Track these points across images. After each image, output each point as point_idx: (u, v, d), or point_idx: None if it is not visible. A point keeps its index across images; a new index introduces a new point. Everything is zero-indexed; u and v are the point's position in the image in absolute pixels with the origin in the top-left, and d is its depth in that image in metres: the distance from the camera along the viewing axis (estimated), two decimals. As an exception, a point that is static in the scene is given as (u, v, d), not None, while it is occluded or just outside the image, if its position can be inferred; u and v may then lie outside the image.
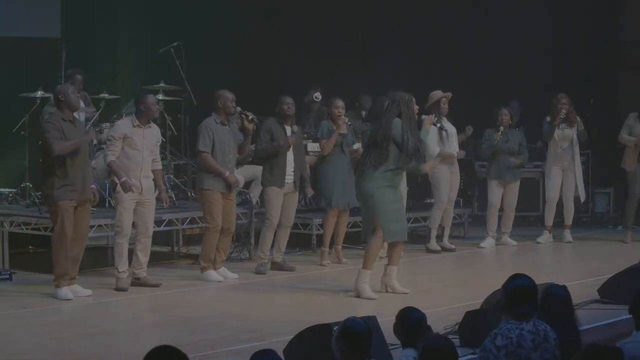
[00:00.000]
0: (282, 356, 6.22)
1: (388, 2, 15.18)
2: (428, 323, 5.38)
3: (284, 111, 10.25)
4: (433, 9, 14.77)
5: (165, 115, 11.77)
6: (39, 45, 13.17)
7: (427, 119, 9.73)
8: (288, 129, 10.32)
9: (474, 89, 14.11)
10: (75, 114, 11.13)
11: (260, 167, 10.67)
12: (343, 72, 14.28)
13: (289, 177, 10.27)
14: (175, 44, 11.85)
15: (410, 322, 5.31)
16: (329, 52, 14.96)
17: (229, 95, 9.81)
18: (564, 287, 5.76)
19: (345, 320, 5.03)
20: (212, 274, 9.78)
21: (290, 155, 10.28)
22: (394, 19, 15.03)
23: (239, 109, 9.88)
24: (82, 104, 11.58)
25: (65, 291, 8.77)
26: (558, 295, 5.65)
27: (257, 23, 15.21)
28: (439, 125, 10.90)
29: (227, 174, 9.72)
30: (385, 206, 8.78)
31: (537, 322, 5.20)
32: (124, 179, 9.14)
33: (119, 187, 9.23)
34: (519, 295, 5.23)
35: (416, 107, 9.04)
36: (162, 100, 11.80)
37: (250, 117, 9.86)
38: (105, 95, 11.61)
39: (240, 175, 11.20)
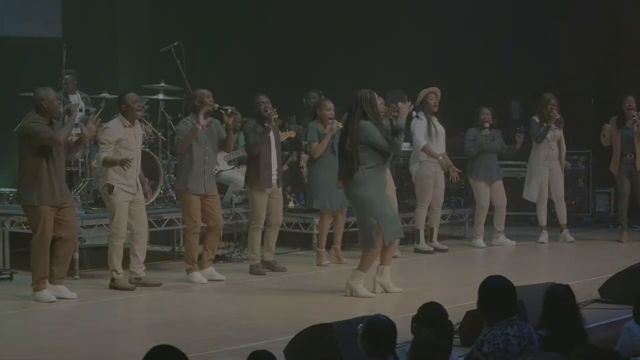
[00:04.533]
0: (283, 356, 6.26)
1: (390, 2, 15.18)
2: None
3: (261, 111, 10.12)
4: (435, 10, 14.76)
5: (166, 114, 11.77)
6: (39, 45, 13.19)
7: (404, 107, 8.97)
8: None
9: (475, 89, 14.10)
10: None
11: None
12: (344, 71, 14.29)
13: (274, 177, 10.21)
14: (175, 43, 11.85)
15: (434, 316, 5.27)
16: (329, 51, 14.97)
17: (205, 92, 9.73)
18: (566, 287, 5.74)
19: (369, 317, 5.07)
20: (197, 275, 9.70)
21: (273, 154, 10.19)
22: (395, 18, 15.03)
23: (216, 105, 9.80)
24: (82, 104, 11.63)
25: (47, 294, 8.67)
26: (560, 295, 5.63)
27: (258, 22, 15.22)
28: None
29: (198, 126, 9.51)
30: (381, 208, 8.77)
31: (520, 324, 5.17)
32: (122, 157, 9.05)
33: (115, 189, 9.18)
34: (492, 296, 5.20)
35: (381, 102, 8.94)
36: (162, 99, 11.81)
37: (230, 110, 9.78)
38: (105, 95, 11.61)
39: (240, 174, 11.20)
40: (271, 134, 10.17)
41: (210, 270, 9.87)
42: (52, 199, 8.60)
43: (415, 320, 5.31)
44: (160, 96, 11.82)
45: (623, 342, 5.64)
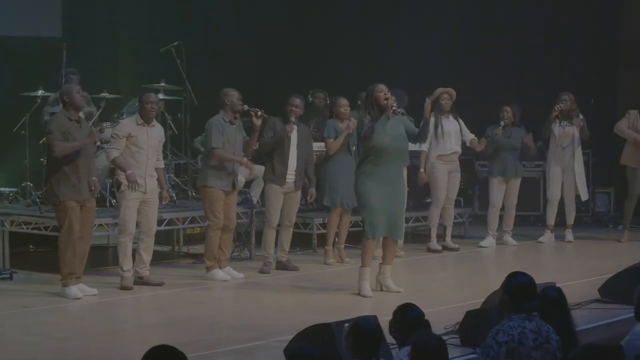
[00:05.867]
0: (283, 356, 6.26)
1: (394, 1, 15.17)
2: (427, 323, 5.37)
3: (287, 112, 10.23)
4: (436, 10, 14.75)
5: (166, 114, 11.77)
6: (40, 45, 13.18)
7: (386, 104, 8.97)
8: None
9: (475, 89, 14.08)
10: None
11: (262, 167, 10.67)
12: (345, 71, 14.28)
13: (290, 176, 10.25)
14: (175, 43, 11.85)
15: (409, 319, 5.29)
16: (331, 51, 14.96)
17: (236, 93, 9.82)
18: (558, 289, 5.76)
19: (355, 318, 5.07)
20: (219, 272, 9.77)
21: (292, 154, 10.25)
22: (398, 18, 15.02)
23: (246, 106, 9.85)
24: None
25: (74, 290, 8.79)
26: (551, 297, 5.65)
27: (258, 21, 15.21)
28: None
29: (244, 160, 9.83)
30: (365, 200, 8.83)
31: (540, 322, 5.20)
32: (130, 171, 9.15)
33: (123, 186, 9.24)
34: (522, 292, 5.23)
35: (382, 95, 8.87)
36: (162, 99, 11.81)
37: (260, 113, 9.83)
38: (105, 94, 11.61)
39: (241, 174, 11.20)
40: (295, 134, 10.23)
41: (228, 269, 9.93)
42: (76, 194, 8.74)
43: (393, 324, 5.32)
44: (160, 96, 11.80)
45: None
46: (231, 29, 15.05)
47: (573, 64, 14.47)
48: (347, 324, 5.07)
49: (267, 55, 15.10)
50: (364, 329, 4.95)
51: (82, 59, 12.11)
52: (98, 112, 11.44)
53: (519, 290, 5.25)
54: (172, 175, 11.48)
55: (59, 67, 11.13)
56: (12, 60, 13.05)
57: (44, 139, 9.45)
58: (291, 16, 15.16)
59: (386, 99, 8.88)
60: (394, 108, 8.99)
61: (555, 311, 5.54)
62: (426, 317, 5.35)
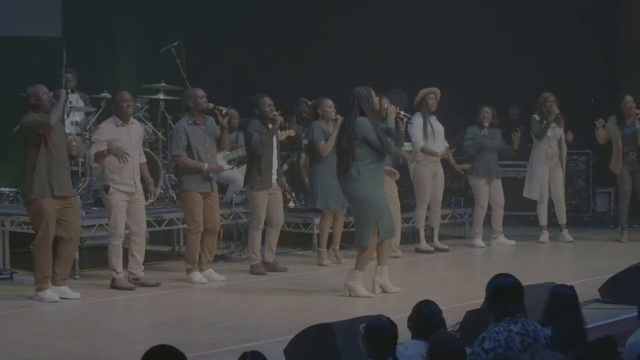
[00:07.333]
0: (283, 356, 6.26)
1: (390, 3, 15.18)
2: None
3: (266, 113, 10.16)
4: (435, 10, 14.76)
5: (166, 114, 11.78)
6: (39, 45, 13.19)
7: (391, 108, 9.02)
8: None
9: (473, 90, 14.09)
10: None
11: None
12: (345, 71, 14.28)
13: (274, 176, 10.25)
14: (176, 43, 11.85)
15: (424, 314, 5.29)
16: (330, 51, 14.97)
17: (199, 92, 9.76)
18: (570, 287, 5.73)
19: (371, 317, 5.10)
20: (197, 275, 9.71)
21: (275, 156, 10.23)
22: (394, 20, 15.03)
23: (211, 104, 9.78)
24: (81, 104, 11.63)
25: (50, 293, 8.68)
26: (563, 295, 5.62)
27: (258, 22, 15.22)
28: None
29: (205, 166, 9.62)
30: (378, 206, 8.76)
31: (525, 322, 5.17)
32: (112, 147, 9.09)
33: (111, 189, 9.23)
34: (499, 294, 5.20)
35: (377, 100, 8.85)
36: (162, 99, 11.82)
37: (224, 111, 9.76)
38: (105, 94, 11.61)
39: (240, 174, 11.19)
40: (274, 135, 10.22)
41: (209, 271, 9.88)
42: (51, 190, 8.60)
43: (409, 318, 5.34)
44: (161, 96, 11.82)
45: None
46: (231, 29, 15.05)
47: (573, 63, 14.47)
48: (362, 324, 5.09)
49: (266, 55, 15.11)
50: (379, 329, 4.97)
51: (82, 59, 12.11)
52: (98, 112, 11.45)
53: (495, 293, 5.21)
54: (172, 176, 11.48)
55: (59, 67, 11.13)
56: (12, 60, 13.06)
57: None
58: (291, 16, 15.16)
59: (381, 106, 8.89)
60: (405, 115, 9.12)
61: (567, 309, 5.51)
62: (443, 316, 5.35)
